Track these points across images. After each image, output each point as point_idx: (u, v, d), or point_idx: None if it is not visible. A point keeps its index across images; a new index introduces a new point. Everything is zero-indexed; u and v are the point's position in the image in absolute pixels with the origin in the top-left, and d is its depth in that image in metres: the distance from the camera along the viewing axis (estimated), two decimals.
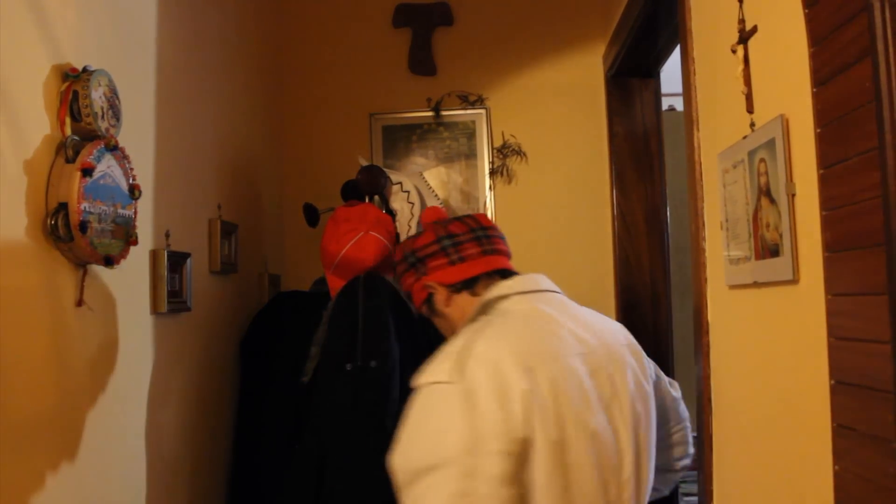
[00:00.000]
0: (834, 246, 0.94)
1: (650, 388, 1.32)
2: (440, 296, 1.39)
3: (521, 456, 1.09)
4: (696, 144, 1.57)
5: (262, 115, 2.71)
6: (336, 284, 2.20)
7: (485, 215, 1.48)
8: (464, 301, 1.37)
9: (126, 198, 1.43)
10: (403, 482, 1.11)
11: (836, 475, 0.93)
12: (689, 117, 1.59)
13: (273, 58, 2.88)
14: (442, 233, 1.39)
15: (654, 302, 2.73)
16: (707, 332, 1.52)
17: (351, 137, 2.93)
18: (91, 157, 1.29)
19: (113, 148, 1.37)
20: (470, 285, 1.37)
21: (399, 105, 2.95)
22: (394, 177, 2.48)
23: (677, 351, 2.71)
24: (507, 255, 1.43)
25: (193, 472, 1.91)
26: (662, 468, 1.44)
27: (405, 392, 2.06)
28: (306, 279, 2.61)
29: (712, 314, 1.51)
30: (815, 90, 0.98)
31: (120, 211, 1.41)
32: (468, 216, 1.43)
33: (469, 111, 2.93)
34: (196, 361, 1.95)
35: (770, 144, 1.13)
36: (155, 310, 1.66)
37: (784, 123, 1.09)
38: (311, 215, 2.60)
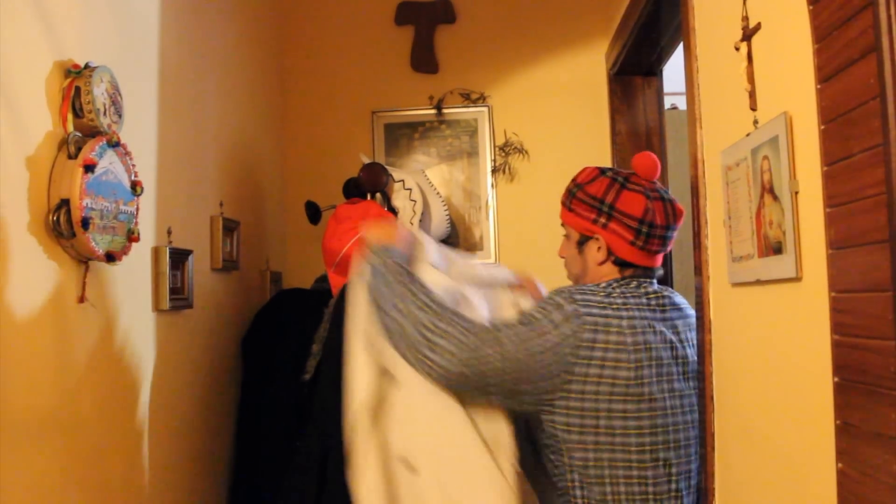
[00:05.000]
0: (838, 243, 0.94)
1: None
2: (600, 252, 1.50)
3: None
4: (698, 142, 1.56)
5: (265, 112, 2.71)
6: (338, 282, 2.20)
7: (682, 209, 1.54)
8: (608, 269, 1.50)
9: (128, 194, 1.43)
10: None
11: (839, 473, 0.93)
12: (691, 115, 1.58)
13: (275, 55, 2.88)
14: (648, 218, 1.48)
15: None
16: (709, 331, 1.52)
17: (353, 135, 2.93)
18: (93, 153, 1.29)
19: (115, 144, 1.37)
20: (625, 267, 1.49)
21: (401, 103, 2.94)
22: (396, 174, 2.48)
23: None
24: (665, 253, 1.55)
25: (195, 469, 1.92)
26: None
27: None
28: (308, 277, 2.61)
29: (714, 312, 1.50)
30: (819, 87, 0.98)
31: (122, 207, 1.41)
32: (674, 206, 1.51)
33: (471, 109, 2.92)
34: (197, 359, 1.95)
35: (773, 142, 1.12)
36: (157, 307, 1.66)
37: (788, 120, 1.08)
38: (313, 213, 2.60)
